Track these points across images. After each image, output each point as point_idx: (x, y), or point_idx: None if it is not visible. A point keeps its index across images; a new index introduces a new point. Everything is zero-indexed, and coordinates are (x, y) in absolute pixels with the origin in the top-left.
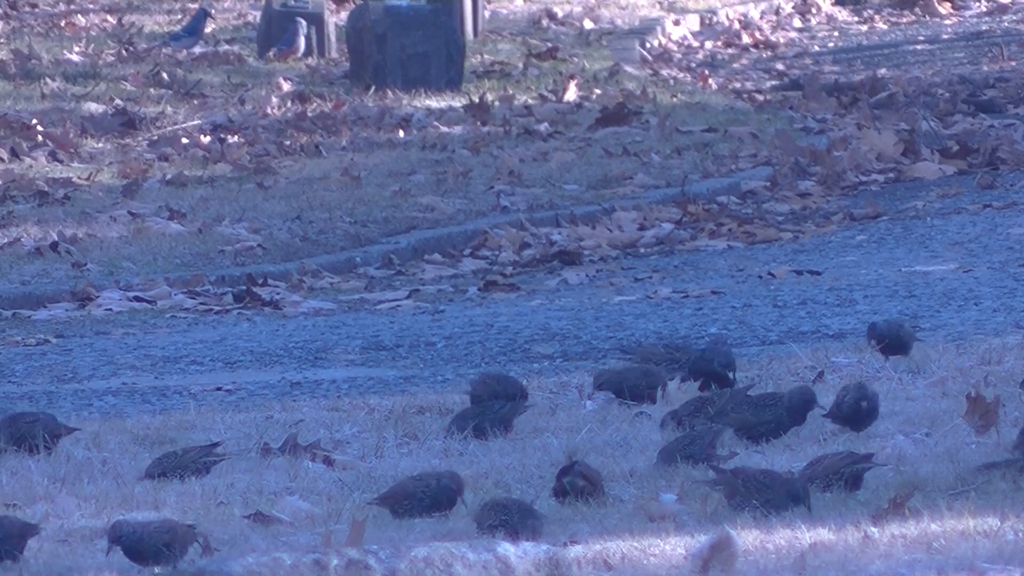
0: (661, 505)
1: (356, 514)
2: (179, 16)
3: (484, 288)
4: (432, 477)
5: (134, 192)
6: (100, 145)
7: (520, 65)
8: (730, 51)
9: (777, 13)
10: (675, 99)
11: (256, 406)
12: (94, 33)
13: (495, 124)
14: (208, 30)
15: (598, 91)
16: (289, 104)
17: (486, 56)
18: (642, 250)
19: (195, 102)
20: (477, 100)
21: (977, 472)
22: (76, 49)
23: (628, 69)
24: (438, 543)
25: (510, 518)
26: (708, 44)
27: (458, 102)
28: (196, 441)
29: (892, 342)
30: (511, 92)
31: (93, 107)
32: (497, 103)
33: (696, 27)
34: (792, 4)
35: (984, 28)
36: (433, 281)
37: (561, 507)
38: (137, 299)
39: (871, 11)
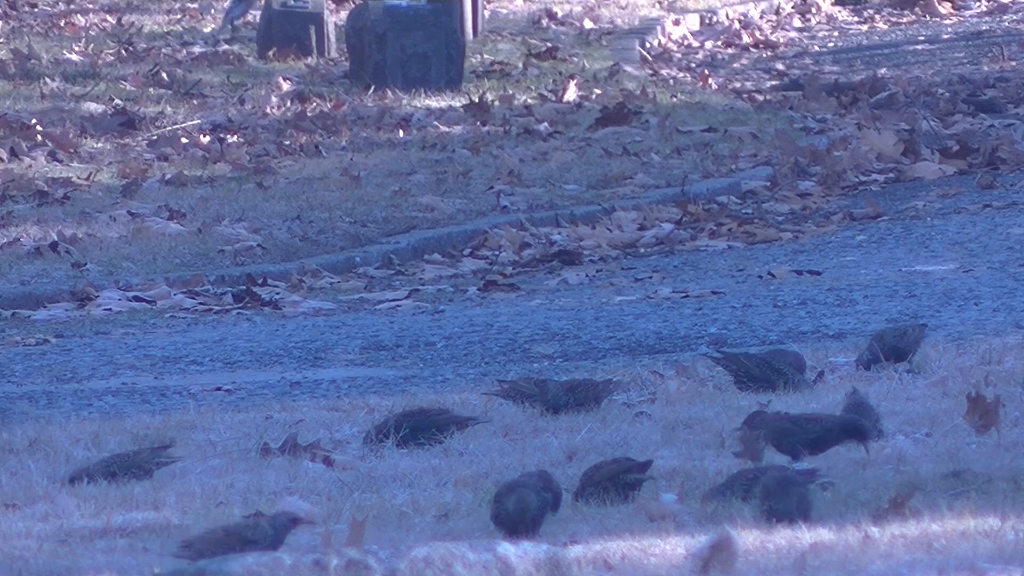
0: (661, 505)
1: (356, 514)
2: (179, 16)
3: (484, 288)
4: None
5: (134, 192)
6: (100, 145)
7: (520, 65)
8: (730, 51)
9: (777, 13)
10: (675, 99)
11: (256, 406)
12: (94, 33)
13: (495, 124)
14: (207, 30)
15: (598, 91)
16: (289, 104)
17: (486, 56)
18: (642, 250)
19: (195, 102)
20: (477, 100)
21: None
22: (76, 49)
23: (628, 69)
24: (438, 543)
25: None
26: (708, 44)
27: (458, 102)
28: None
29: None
30: (511, 92)
31: (93, 107)
32: (497, 103)
33: (696, 27)
34: (792, 4)
35: (984, 28)
36: (433, 281)
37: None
38: (137, 299)
39: (871, 11)
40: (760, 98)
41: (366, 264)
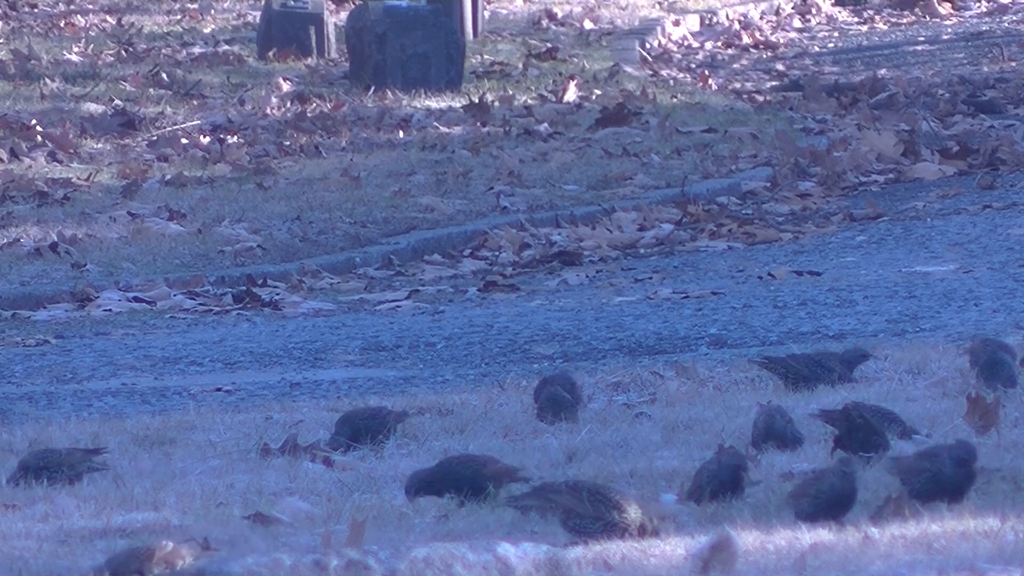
0: (661, 505)
1: (356, 514)
2: (179, 16)
3: (484, 289)
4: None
5: (134, 193)
6: (100, 145)
7: (520, 65)
8: (730, 51)
9: (777, 13)
10: (675, 99)
11: (256, 407)
12: (94, 33)
13: (495, 124)
14: (207, 30)
15: (598, 91)
16: (289, 104)
17: (486, 56)
18: (642, 251)
19: (195, 102)
20: (477, 100)
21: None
22: (76, 49)
23: (628, 69)
24: (438, 543)
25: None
26: (708, 44)
27: (458, 102)
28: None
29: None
30: (511, 92)
31: (93, 107)
32: (497, 103)
33: (696, 27)
34: (792, 4)
35: (984, 28)
36: (433, 282)
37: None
38: (137, 300)
39: (871, 11)
40: (760, 99)
41: (366, 265)
